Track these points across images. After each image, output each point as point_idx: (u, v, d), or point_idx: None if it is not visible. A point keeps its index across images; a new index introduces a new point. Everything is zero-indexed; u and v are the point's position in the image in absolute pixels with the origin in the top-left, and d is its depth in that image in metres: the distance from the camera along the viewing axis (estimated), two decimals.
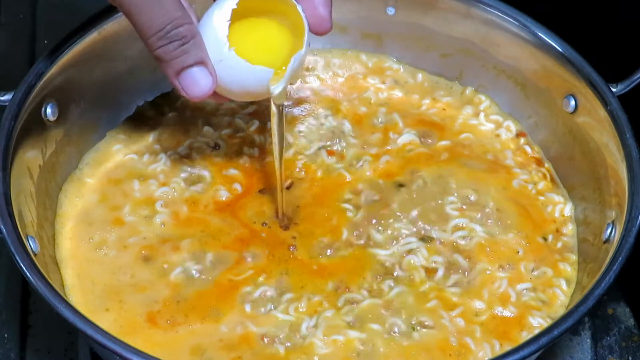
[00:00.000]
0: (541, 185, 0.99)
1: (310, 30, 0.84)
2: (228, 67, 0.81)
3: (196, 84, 0.79)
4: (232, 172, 0.98)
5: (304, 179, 0.98)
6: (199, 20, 0.83)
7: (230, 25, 0.81)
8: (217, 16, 0.81)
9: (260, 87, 0.83)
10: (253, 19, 0.84)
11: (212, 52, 0.80)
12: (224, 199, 0.95)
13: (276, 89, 0.84)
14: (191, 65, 0.79)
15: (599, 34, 1.09)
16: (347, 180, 0.98)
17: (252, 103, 1.03)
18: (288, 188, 0.97)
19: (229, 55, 0.80)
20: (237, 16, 0.81)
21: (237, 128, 1.01)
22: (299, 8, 0.83)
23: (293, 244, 0.92)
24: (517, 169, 1.00)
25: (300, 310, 0.88)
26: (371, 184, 0.97)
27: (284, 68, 0.83)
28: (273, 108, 0.87)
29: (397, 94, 1.06)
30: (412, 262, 0.91)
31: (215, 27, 0.80)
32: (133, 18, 0.77)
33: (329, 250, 0.92)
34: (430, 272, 0.91)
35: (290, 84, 0.90)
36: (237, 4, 0.80)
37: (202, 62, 0.79)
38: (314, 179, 0.98)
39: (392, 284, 0.90)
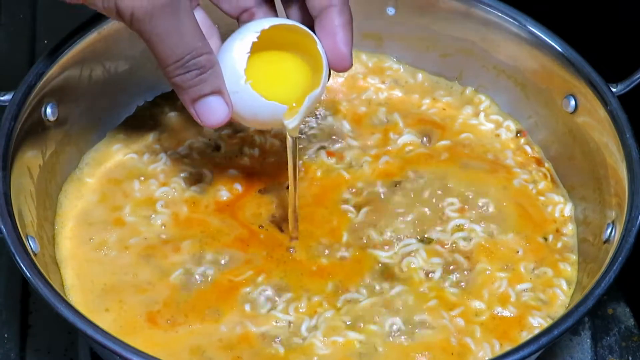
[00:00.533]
0: (542, 185, 0.99)
1: (330, 66, 0.84)
2: (243, 99, 0.81)
3: (212, 113, 0.80)
4: (232, 172, 0.98)
5: (304, 178, 0.98)
6: (222, 41, 0.84)
7: (249, 57, 0.81)
8: (238, 47, 0.80)
9: (273, 121, 0.83)
10: (272, 53, 0.84)
11: (229, 82, 0.81)
12: (224, 199, 0.95)
13: (290, 124, 0.84)
14: (208, 95, 0.79)
15: (599, 34, 1.09)
16: (347, 180, 0.98)
17: None
18: (287, 188, 0.97)
19: (245, 88, 0.80)
20: (257, 47, 0.81)
21: (237, 128, 1.01)
22: (319, 46, 0.82)
23: (292, 244, 0.92)
24: (518, 168, 1.00)
25: (300, 310, 0.88)
26: (371, 184, 0.97)
27: (294, 105, 0.83)
28: (288, 138, 0.86)
29: (397, 93, 1.06)
30: (411, 263, 0.91)
31: (235, 58, 0.80)
32: (153, 46, 0.77)
33: (328, 251, 0.92)
34: (429, 272, 0.91)
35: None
36: (258, 38, 0.80)
37: (219, 92, 0.79)
38: (314, 178, 0.98)
39: (392, 285, 0.90)
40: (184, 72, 0.78)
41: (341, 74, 1.06)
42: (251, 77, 0.81)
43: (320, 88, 0.83)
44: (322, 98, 0.95)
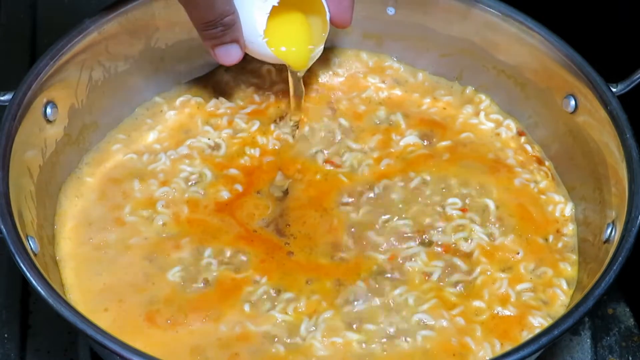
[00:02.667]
0: (543, 184, 0.99)
1: (332, 24, 0.95)
2: (257, 48, 0.94)
3: (228, 56, 0.93)
4: (233, 172, 0.98)
5: (303, 180, 0.98)
6: None
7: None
8: (259, 8, 0.91)
9: (280, 62, 0.97)
10: (285, 13, 0.93)
11: (247, 33, 0.92)
12: (224, 199, 0.95)
13: (298, 73, 0.98)
14: (227, 43, 0.92)
15: (599, 34, 1.09)
16: (346, 181, 0.97)
17: (251, 102, 1.04)
18: (285, 193, 0.96)
19: (261, 43, 0.93)
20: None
21: (237, 128, 1.01)
22: (327, 13, 0.94)
23: (291, 248, 0.92)
24: (519, 168, 1.00)
25: (299, 310, 0.87)
26: (371, 185, 0.97)
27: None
28: (290, 72, 0.98)
29: (398, 93, 1.06)
30: (411, 264, 0.91)
31: (255, 18, 0.91)
32: (188, 9, 0.89)
33: (327, 252, 0.92)
34: (429, 274, 0.91)
35: None
36: (278, 2, 0.91)
37: (237, 41, 0.92)
38: (313, 180, 0.98)
39: (391, 285, 0.89)
40: (212, 29, 0.90)
41: (341, 73, 1.07)
42: (267, 36, 0.92)
43: (323, 45, 0.97)
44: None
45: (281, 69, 1.03)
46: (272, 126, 1.01)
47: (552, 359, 1.00)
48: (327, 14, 0.94)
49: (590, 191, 0.96)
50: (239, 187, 0.97)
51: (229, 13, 0.89)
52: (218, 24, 0.90)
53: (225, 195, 0.96)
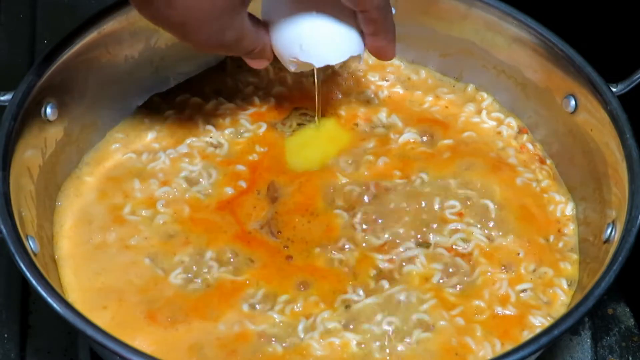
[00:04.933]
0: (544, 183, 0.99)
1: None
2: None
3: (256, 64, 0.95)
4: (234, 169, 0.98)
5: (300, 179, 0.97)
6: None
7: None
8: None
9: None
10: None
11: (282, 52, 0.92)
12: (224, 197, 0.95)
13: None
14: (257, 58, 0.94)
15: (599, 34, 1.09)
16: (345, 182, 0.97)
17: (251, 104, 1.04)
18: (275, 200, 0.96)
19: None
20: None
21: (240, 128, 1.01)
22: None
23: (290, 251, 0.92)
24: (521, 167, 1.00)
25: (297, 309, 0.87)
26: (369, 185, 0.97)
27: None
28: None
29: (399, 90, 1.06)
30: (410, 266, 0.90)
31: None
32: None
33: (325, 253, 0.92)
34: (429, 275, 0.90)
35: None
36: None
37: (265, 57, 0.94)
38: (311, 180, 0.97)
39: (390, 285, 0.89)
40: (247, 53, 0.92)
41: (341, 72, 1.06)
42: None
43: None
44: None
45: (279, 67, 1.03)
46: (279, 127, 1.01)
47: (552, 359, 1.00)
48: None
49: (591, 191, 0.96)
50: (243, 184, 0.96)
51: (256, 48, 0.91)
52: (248, 53, 0.91)
53: (225, 194, 0.96)
